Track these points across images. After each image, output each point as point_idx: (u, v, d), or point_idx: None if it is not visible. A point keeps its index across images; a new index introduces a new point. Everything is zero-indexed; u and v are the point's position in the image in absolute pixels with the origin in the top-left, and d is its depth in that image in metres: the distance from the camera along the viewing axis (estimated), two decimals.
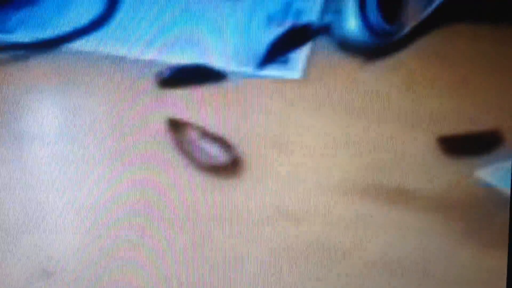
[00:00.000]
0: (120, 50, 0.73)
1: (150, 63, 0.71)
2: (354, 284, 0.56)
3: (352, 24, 0.62)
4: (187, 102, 0.65)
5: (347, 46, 0.63)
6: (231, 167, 0.62)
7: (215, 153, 0.63)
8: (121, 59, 0.72)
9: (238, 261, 0.56)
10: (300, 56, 0.73)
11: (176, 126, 0.64)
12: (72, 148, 0.63)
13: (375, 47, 0.63)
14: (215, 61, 0.71)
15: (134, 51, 0.73)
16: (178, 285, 0.54)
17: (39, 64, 0.71)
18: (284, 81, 0.70)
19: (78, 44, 0.73)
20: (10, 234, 0.55)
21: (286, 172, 0.62)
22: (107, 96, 0.68)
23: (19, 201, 0.57)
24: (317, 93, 0.69)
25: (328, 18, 0.63)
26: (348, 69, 0.71)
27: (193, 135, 0.64)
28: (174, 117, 0.64)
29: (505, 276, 0.56)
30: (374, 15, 0.61)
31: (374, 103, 0.67)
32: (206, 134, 0.64)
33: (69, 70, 0.70)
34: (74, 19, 0.75)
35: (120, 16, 0.77)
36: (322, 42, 0.73)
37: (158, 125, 0.65)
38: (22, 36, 0.73)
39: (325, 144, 0.64)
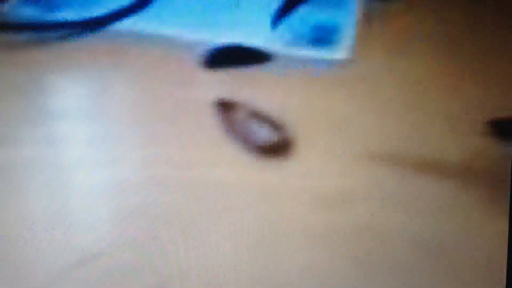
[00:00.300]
0: (165, 30, 0.73)
1: (195, 43, 0.72)
2: (399, 265, 0.56)
3: None
4: (232, 83, 0.65)
5: None
6: (278, 147, 0.62)
7: (263, 133, 0.63)
8: (166, 39, 0.72)
9: (287, 240, 0.56)
10: (346, 35, 0.73)
11: (223, 106, 0.64)
12: (114, 128, 0.63)
13: None
14: (260, 41, 0.71)
15: (179, 31, 0.73)
16: (223, 263, 0.54)
17: (85, 43, 0.71)
18: (329, 60, 0.70)
19: (124, 24, 0.73)
20: (45, 220, 0.55)
21: (334, 152, 0.62)
22: (151, 76, 0.68)
23: (54, 186, 0.57)
24: (363, 73, 0.69)
25: None
26: (391, 49, 0.72)
27: (240, 115, 0.64)
28: (221, 97, 0.65)
29: None
30: None
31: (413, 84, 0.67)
32: (253, 115, 0.64)
33: (114, 50, 0.70)
34: None
35: None
36: (368, 20, 0.74)
37: (203, 105, 0.65)
38: (68, 15, 0.73)
39: (374, 124, 0.64)
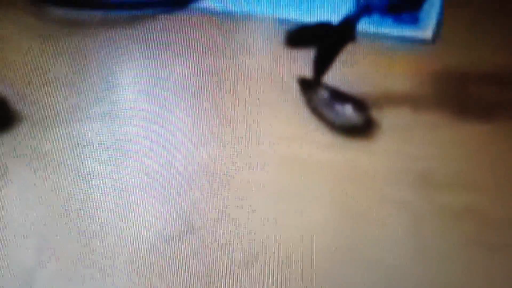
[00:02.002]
0: (245, 8, 0.73)
1: (275, 21, 0.71)
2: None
3: None
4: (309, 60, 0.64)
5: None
6: (363, 128, 0.61)
7: (348, 113, 0.62)
8: (246, 18, 0.72)
9: (377, 222, 0.56)
10: (432, 15, 0.71)
11: (306, 84, 0.63)
12: (193, 103, 0.63)
13: None
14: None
15: (259, 10, 0.73)
16: (310, 233, 0.54)
17: (167, 22, 0.72)
18: (414, 42, 0.68)
19: (205, 2, 0.74)
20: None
21: (420, 135, 0.60)
22: (233, 54, 0.69)
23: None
24: (449, 55, 0.67)
25: None
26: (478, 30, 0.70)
27: (324, 94, 0.63)
28: (305, 76, 0.64)
29: None
30: None
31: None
32: (337, 94, 0.63)
33: (198, 28, 0.71)
34: None
35: None
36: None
37: (286, 82, 0.65)
38: None
39: (463, 109, 0.62)
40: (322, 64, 0.63)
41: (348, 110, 0.61)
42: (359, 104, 0.62)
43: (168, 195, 0.56)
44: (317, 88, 0.63)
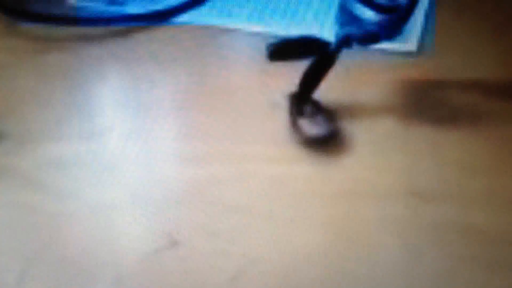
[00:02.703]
0: (228, 22, 0.72)
1: (257, 35, 0.71)
2: (500, 268, 0.53)
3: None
4: (296, 75, 0.64)
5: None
6: (338, 140, 0.61)
7: (328, 126, 0.61)
8: (228, 31, 0.71)
9: (368, 237, 0.55)
10: (417, 25, 0.71)
11: (291, 98, 0.63)
12: (176, 120, 0.62)
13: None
14: (323, 33, 0.69)
15: (241, 23, 0.72)
16: (301, 253, 0.53)
17: (149, 36, 0.71)
18: (397, 53, 0.68)
19: (187, 17, 0.73)
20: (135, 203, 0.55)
21: (407, 148, 0.60)
22: (214, 68, 0.68)
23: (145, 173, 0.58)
24: (435, 66, 0.67)
25: None
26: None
27: (308, 108, 0.63)
28: (286, 89, 0.63)
29: None
30: None
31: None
32: (318, 108, 0.62)
33: (178, 42, 0.70)
34: None
35: None
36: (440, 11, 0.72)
37: (271, 97, 0.64)
38: (134, 8, 0.73)
39: (448, 119, 0.62)
40: (307, 86, 0.63)
41: (327, 123, 0.61)
42: (337, 116, 0.62)
43: (152, 212, 0.54)
44: (302, 102, 0.63)
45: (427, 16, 0.72)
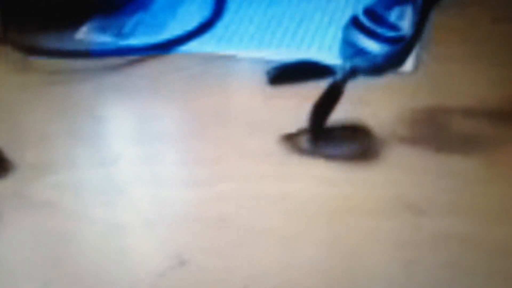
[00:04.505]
0: (228, 50, 0.75)
1: (258, 60, 0.73)
2: (492, 275, 0.54)
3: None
4: (297, 98, 0.66)
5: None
6: (352, 158, 0.62)
7: (331, 148, 0.63)
8: (230, 59, 0.74)
9: (363, 251, 0.56)
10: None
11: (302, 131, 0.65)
12: (183, 146, 0.64)
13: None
14: (323, 57, 0.71)
15: (241, 50, 0.74)
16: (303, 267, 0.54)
17: (154, 67, 0.73)
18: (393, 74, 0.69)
19: (189, 46, 0.75)
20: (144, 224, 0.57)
21: (404, 165, 0.61)
22: (217, 95, 0.70)
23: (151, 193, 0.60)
24: (430, 86, 0.69)
25: None
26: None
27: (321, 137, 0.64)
28: (288, 113, 0.65)
29: None
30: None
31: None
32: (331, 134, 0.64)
33: (182, 70, 0.73)
34: (184, 22, 0.78)
35: (227, 17, 0.80)
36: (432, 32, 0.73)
37: (275, 123, 0.66)
38: (137, 40, 0.76)
39: (447, 138, 0.63)
40: (317, 120, 0.64)
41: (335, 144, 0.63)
42: (342, 137, 0.63)
43: (161, 233, 0.56)
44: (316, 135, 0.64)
45: (423, 36, 0.74)
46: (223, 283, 0.52)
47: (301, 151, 0.63)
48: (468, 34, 0.76)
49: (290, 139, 0.64)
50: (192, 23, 0.77)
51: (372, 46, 0.62)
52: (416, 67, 0.71)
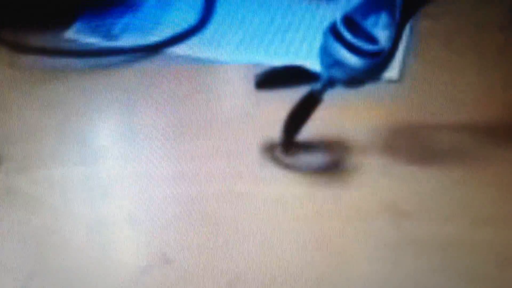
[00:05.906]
0: (216, 54, 0.75)
1: (246, 65, 0.74)
2: (474, 277, 0.55)
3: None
4: (284, 103, 0.66)
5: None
6: (333, 169, 0.62)
7: (317, 157, 0.63)
8: (218, 62, 0.74)
9: (351, 258, 0.57)
10: (397, 55, 0.73)
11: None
12: (170, 148, 0.65)
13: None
14: (311, 62, 0.72)
15: (230, 54, 0.75)
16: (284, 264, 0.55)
17: (142, 68, 0.74)
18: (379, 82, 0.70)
19: (177, 49, 0.76)
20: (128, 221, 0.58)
21: (389, 171, 0.62)
22: (204, 97, 0.70)
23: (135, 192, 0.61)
24: (416, 94, 0.69)
25: None
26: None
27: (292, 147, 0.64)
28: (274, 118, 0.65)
29: None
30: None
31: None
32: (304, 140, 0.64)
33: (169, 72, 0.73)
34: (173, 25, 0.79)
35: (216, 21, 0.80)
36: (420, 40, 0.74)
37: (256, 127, 0.66)
38: (125, 41, 0.77)
39: (430, 145, 0.64)
40: (291, 130, 0.64)
41: (317, 156, 0.63)
42: (327, 147, 0.63)
43: (145, 230, 0.57)
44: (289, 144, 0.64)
45: (408, 44, 0.76)
46: (207, 281, 0.53)
47: (276, 160, 0.63)
48: (454, 42, 0.78)
49: (269, 148, 0.65)
50: (181, 26, 0.78)
51: (350, 60, 0.62)
52: (402, 75, 0.72)
